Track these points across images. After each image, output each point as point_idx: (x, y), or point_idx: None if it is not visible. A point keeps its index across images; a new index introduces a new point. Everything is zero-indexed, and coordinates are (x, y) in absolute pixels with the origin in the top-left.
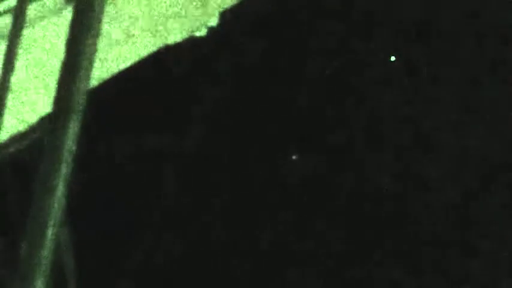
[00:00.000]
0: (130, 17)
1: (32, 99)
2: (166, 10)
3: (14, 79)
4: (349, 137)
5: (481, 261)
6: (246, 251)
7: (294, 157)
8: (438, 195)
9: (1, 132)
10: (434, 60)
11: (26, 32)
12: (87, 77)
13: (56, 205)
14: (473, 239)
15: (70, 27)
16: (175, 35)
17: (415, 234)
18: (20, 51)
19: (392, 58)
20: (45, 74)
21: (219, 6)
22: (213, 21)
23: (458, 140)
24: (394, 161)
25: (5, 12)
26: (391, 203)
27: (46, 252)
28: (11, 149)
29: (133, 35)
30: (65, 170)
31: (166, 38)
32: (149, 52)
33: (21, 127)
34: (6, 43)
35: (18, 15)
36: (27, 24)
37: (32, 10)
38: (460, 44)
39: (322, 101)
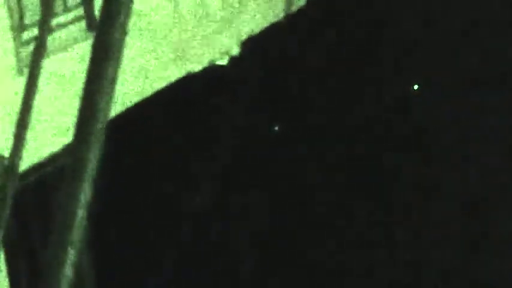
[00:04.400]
0: (153, 44)
1: (54, 125)
2: (190, 38)
3: (37, 105)
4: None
5: None
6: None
7: (276, 128)
8: None
9: (24, 158)
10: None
11: (49, 60)
12: (109, 103)
13: (76, 228)
14: None
15: (91, 54)
16: (197, 63)
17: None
18: (42, 78)
19: (416, 87)
20: (67, 100)
21: (242, 36)
22: (235, 51)
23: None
24: None
25: (29, 40)
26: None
27: (67, 276)
28: (34, 176)
29: (156, 63)
30: (86, 194)
31: (188, 65)
32: (172, 79)
33: (45, 153)
34: (29, 71)
35: (41, 43)
36: (50, 52)
37: (54, 38)
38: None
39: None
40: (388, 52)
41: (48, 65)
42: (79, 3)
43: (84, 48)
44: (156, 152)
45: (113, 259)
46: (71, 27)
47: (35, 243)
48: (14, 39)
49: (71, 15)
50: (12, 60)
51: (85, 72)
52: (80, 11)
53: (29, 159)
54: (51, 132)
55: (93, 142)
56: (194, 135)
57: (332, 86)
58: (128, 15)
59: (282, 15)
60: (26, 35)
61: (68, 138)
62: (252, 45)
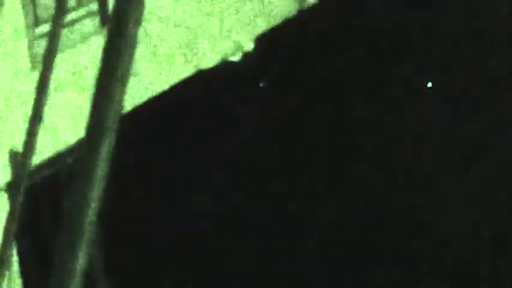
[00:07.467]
0: (165, 40)
1: (66, 120)
2: (202, 33)
3: (49, 101)
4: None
5: None
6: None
7: (261, 84)
8: None
9: (35, 154)
10: None
11: (61, 55)
12: (120, 100)
13: (87, 224)
14: None
15: (103, 50)
16: (210, 59)
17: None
18: (55, 74)
19: (429, 84)
20: (79, 96)
21: (255, 31)
22: (249, 46)
23: None
24: None
25: (41, 36)
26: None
27: (78, 271)
28: (46, 172)
29: (168, 58)
30: (97, 190)
31: (201, 61)
32: (183, 75)
33: (56, 148)
34: (43, 66)
35: (53, 39)
36: (62, 48)
37: (67, 34)
38: None
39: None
40: (402, 48)
41: (61, 58)
42: None
43: (97, 44)
44: (167, 149)
45: (124, 256)
46: (85, 22)
47: (47, 240)
48: (28, 35)
49: (84, 11)
50: (25, 56)
51: (98, 68)
52: (94, 7)
53: (41, 154)
54: (65, 125)
55: (104, 139)
56: (205, 132)
57: (344, 82)
58: (141, 11)
59: (295, 11)
60: (40, 30)
61: (80, 134)
62: (266, 41)
